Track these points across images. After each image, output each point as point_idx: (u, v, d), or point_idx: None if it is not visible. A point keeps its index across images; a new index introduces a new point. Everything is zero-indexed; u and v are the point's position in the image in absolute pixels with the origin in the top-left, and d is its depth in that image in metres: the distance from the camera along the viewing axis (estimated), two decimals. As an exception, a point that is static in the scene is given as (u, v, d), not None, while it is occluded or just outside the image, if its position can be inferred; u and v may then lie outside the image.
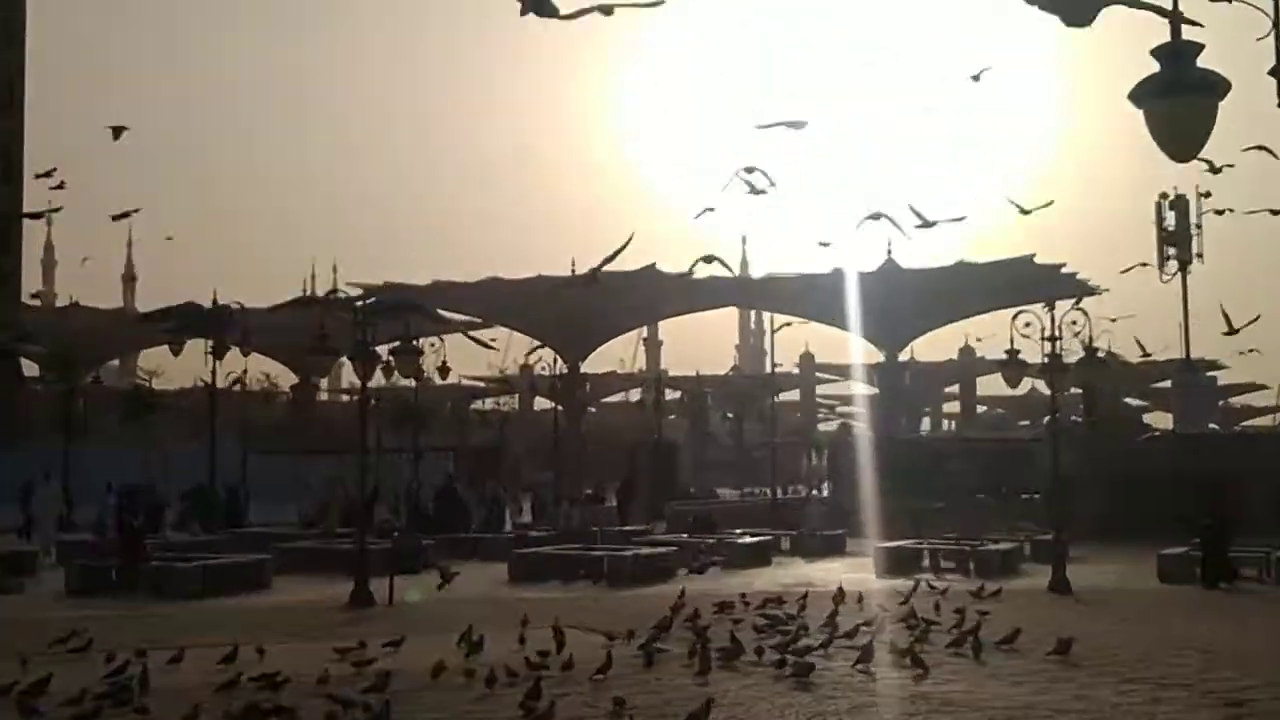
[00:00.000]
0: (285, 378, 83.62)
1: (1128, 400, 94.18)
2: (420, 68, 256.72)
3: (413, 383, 40.94)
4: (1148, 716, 10.44)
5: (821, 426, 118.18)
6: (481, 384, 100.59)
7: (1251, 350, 68.77)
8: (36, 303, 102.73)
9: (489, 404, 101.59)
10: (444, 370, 42.64)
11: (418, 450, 50.10)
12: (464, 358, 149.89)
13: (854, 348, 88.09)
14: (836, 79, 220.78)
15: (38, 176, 51.44)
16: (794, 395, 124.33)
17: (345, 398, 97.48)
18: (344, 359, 26.20)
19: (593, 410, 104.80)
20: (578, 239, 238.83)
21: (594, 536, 30.26)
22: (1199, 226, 57.41)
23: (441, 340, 38.65)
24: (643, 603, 18.97)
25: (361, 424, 22.60)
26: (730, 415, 74.12)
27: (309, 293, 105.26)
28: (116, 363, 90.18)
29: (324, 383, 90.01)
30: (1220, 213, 57.13)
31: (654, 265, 73.09)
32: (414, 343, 23.66)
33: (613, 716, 10.62)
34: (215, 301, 39.18)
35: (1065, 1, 7.41)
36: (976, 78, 37.54)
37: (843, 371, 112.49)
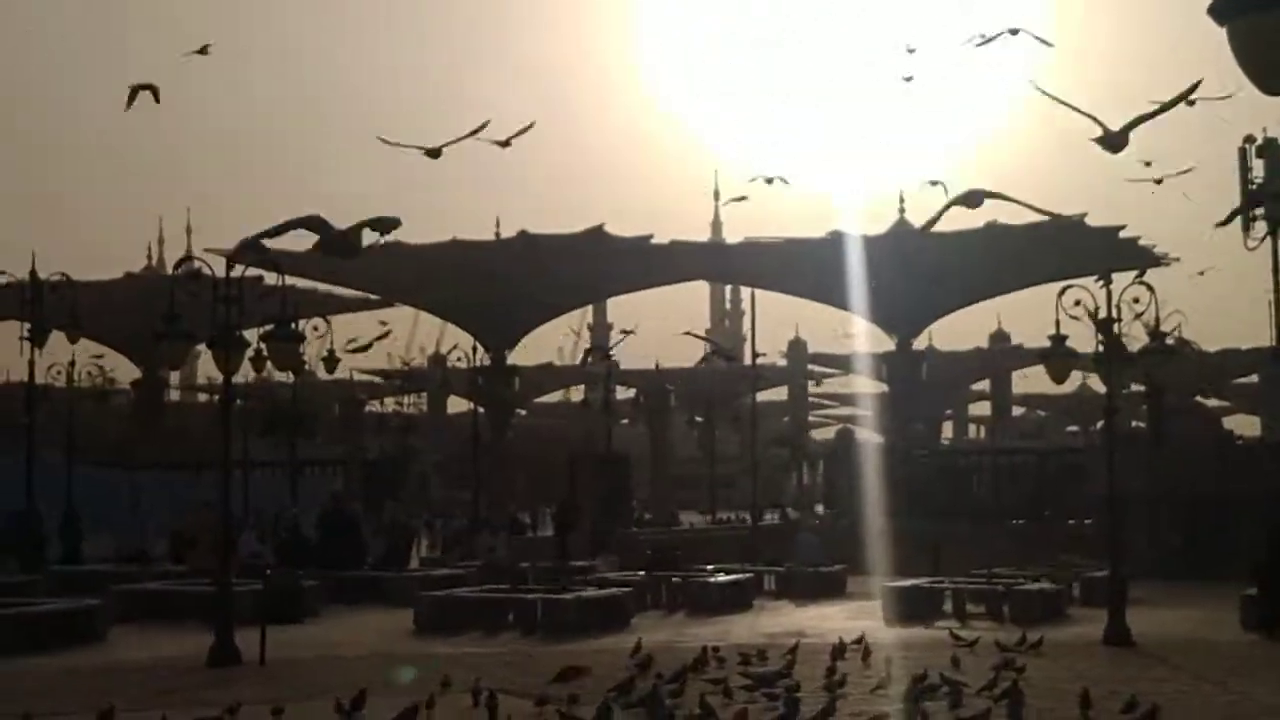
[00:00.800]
0: (125, 370, 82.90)
1: (1203, 400, 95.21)
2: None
3: (290, 377, 40.77)
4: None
5: (816, 433, 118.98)
6: (379, 379, 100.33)
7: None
8: None
9: (389, 405, 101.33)
10: (331, 361, 42.44)
11: (297, 463, 49.92)
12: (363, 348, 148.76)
13: (857, 332, 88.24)
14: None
15: None
16: (780, 393, 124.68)
17: (203, 396, 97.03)
18: (201, 346, 25.98)
19: (523, 413, 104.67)
20: (503, 200, 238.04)
21: (524, 575, 30.28)
22: (1294, 179, 57.85)
23: (327, 322, 38.30)
24: (587, 659, 18.95)
25: (225, 430, 22.42)
26: (699, 419, 74.18)
27: (154, 261, 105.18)
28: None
29: (175, 377, 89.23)
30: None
31: (602, 226, 72.66)
32: (293, 325, 23.47)
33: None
34: (34, 274, 38.77)
35: None
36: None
37: (842, 363, 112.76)
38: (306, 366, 36.95)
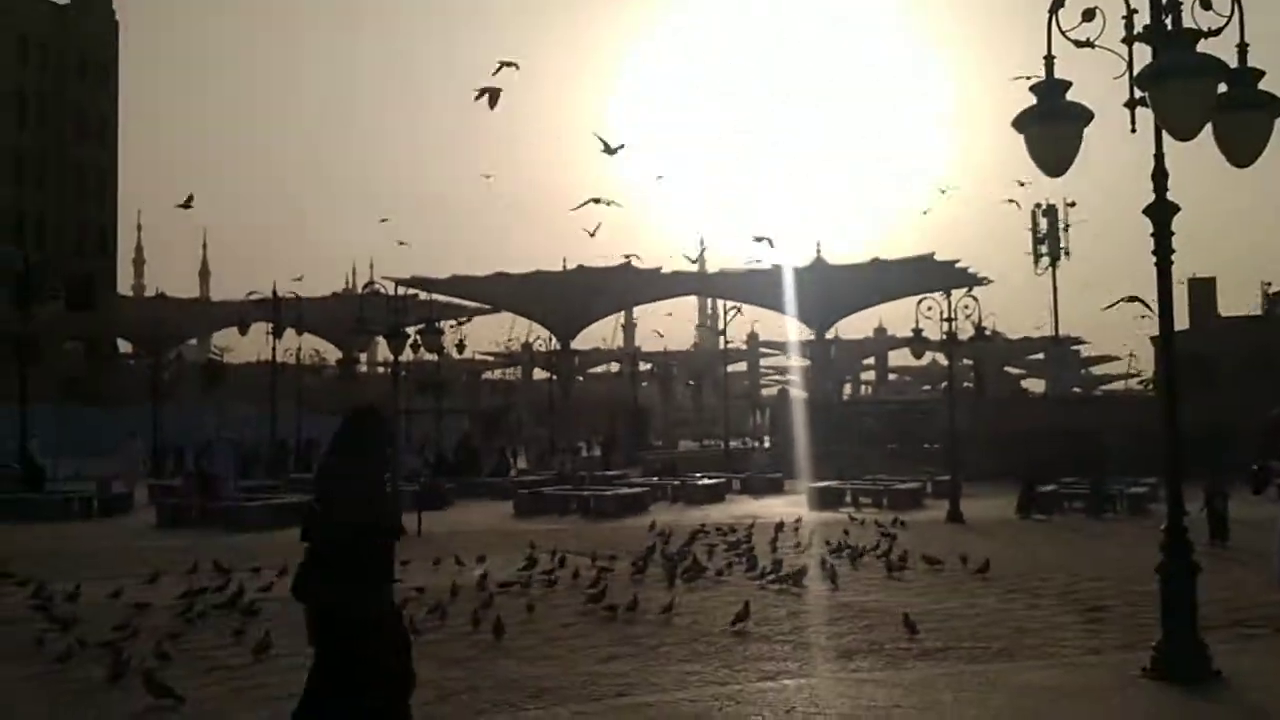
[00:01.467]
0: (332, 354, 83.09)
1: (1009, 369, 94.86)
2: (438, 84, 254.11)
3: (435, 357, 40.87)
4: (1025, 619, 10.52)
5: (764, 391, 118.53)
6: (491, 358, 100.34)
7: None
8: (130, 294, 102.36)
9: (497, 375, 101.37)
10: (461, 347, 42.56)
11: (439, 412, 50.09)
12: (477, 337, 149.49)
13: (790, 328, 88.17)
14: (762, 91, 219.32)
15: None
16: (742, 367, 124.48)
17: (381, 369, 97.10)
18: (379, 338, 26.12)
19: (580, 380, 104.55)
20: (570, 240, 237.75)
21: (582, 480, 30.38)
22: (1066, 228, 58.00)
23: (458, 323, 38.64)
24: (621, 532, 19.05)
25: (395, 390, 22.62)
26: (691, 383, 74.18)
27: (349, 284, 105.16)
28: (194, 341, 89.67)
29: (364, 358, 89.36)
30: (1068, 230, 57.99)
31: (629, 261, 72.88)
32: (436, 324, 23.58)
33: (629, 609, 10.74)
34: (275, 292, 38.91)
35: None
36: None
37: (782, 348, 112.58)
38: (445, 350, 37.08)
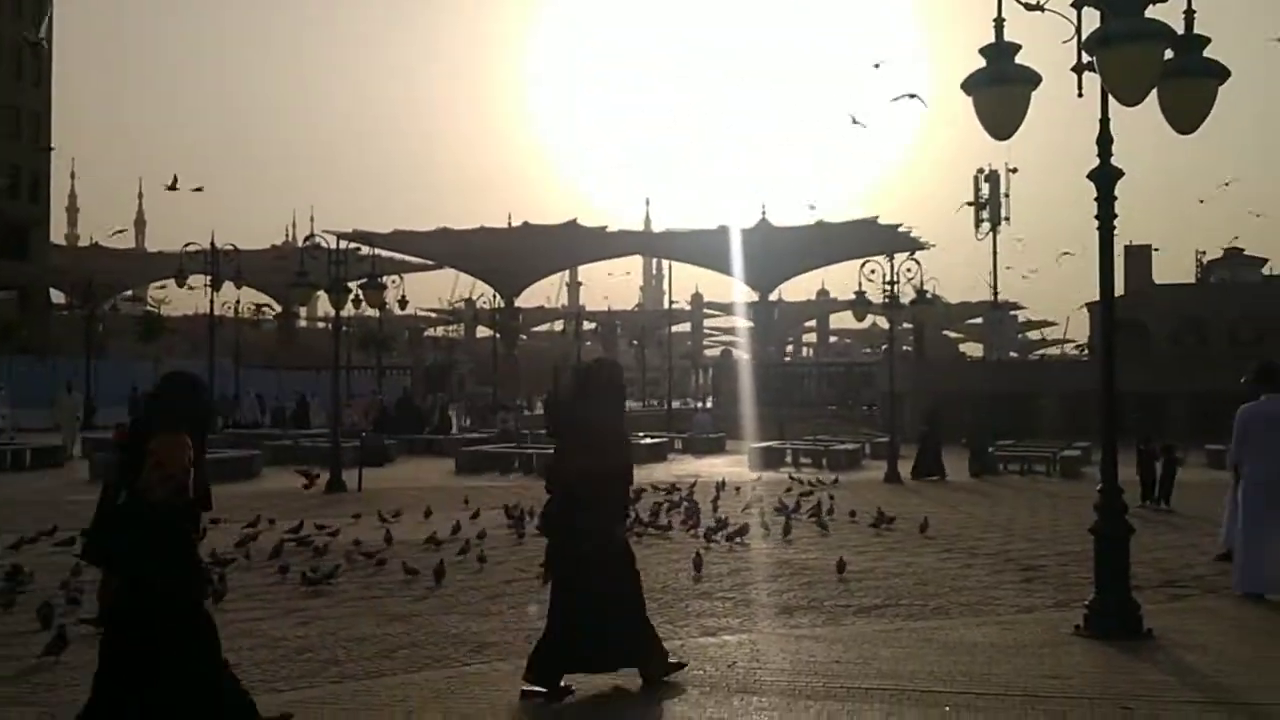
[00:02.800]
0: (272, 307, 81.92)
1: (948, 333, 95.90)
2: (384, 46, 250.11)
3: (377, 313, 40.42)
4: (962, 578, 10.67)
5: (708, 352, 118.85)
6: (434, 315, 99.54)
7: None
8: (64, 243, 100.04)
9: (440, 332, 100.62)
10: (403, 303, 42.14)
11: (381, 368, 49.63)
12: (418, 293, 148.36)
13: (736, 290, 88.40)
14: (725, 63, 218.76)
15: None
16: (686, 327, 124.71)
17: (321, 324, 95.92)
18: (320, 292, 25.70)
19: (524, 338, 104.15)
20: (514, 196, 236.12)
21: (525, 438, 30.29)
22: (1007, 195, 58.51)
23: (401, 278, 38.23)
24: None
25: (335, 345, 22.34)
26: (635, 342, 73.87)
27: (290, 236, 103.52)
28: (130, 293, 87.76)
29: (304, 312, 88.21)
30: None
31: (575, 220, 72.54)
32: (378, 280, 23.21)
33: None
34: (214, 244, 38.15)
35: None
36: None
37: (726, 309, 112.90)
38: (387, 306, 36.59)
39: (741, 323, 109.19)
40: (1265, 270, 68.76)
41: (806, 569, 11.07)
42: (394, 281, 36.19)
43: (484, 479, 22.25)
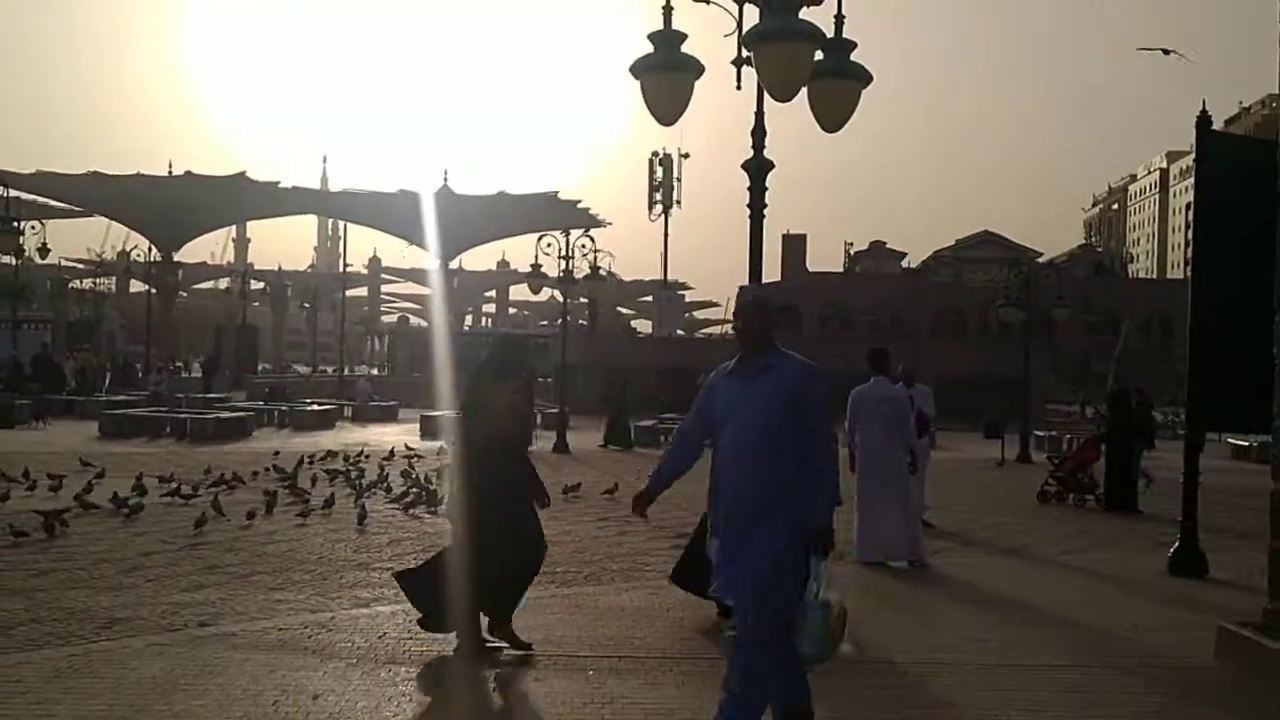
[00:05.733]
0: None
1: (621, 309, 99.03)
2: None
3: (13, 260, 36.76)
4: (615, 545, 11.06)
5: (385, 318, 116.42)
6: (81, 266, 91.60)
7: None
8: None
9: (88, 284, 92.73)
10: (44, 251, 38.53)
11: (16, 321, 45.27)
12: (64, 242, 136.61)
13: (416, 256, 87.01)
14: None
15: None
16: (363, 291, 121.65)
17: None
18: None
19: (185, 295, 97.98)
20: (178, 144, 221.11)
21: (179, 401, 28.68)
22: (679, 179, 60.99)
23: (42, 224, 35.08)
24: (221, 457, 18.11)
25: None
26: (307, 305, 71.26)
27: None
28: None
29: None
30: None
31: (244, 173, 68.83)
32: (15, 224, 21.17)
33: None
34: None
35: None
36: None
37: (406, 275, 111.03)
38: (25, 254, 33.35)
39: (422, 290, 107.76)
40: (904, 263, 75.74)
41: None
42: (34, 228, 33.12)
43: (131, 444, 20.79)
